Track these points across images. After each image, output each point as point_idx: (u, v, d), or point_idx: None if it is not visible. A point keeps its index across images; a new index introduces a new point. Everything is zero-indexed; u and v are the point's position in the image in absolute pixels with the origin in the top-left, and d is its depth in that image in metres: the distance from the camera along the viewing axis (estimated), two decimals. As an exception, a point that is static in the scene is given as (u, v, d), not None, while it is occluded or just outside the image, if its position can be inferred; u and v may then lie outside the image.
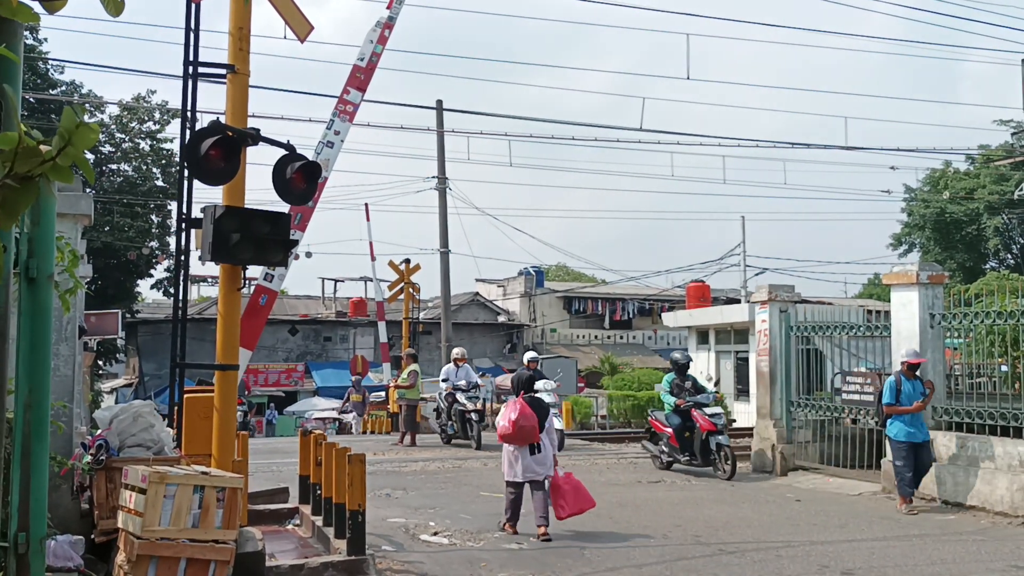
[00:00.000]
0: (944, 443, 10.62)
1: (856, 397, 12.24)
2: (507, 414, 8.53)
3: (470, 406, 16.29)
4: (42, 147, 1.79)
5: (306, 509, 8.99)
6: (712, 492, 11.47)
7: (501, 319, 42.04)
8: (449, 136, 25.80)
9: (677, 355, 14.12)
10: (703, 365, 28.22)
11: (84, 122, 1.80)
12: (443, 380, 16.82)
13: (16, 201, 1.78)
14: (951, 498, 10.26)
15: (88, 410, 14.71)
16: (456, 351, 17.29)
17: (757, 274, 36.25)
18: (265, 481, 11.17)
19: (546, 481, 8.58)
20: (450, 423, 16.75)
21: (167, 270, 31.45)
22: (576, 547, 8.14)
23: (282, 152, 6.69)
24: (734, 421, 24.22)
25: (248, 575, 5.94)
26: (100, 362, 30.63)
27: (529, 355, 16.55)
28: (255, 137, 6.64)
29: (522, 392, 8.83)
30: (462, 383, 16.46)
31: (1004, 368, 11.94)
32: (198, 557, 5.29)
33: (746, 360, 24.59)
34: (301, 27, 7.91)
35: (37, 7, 2.03)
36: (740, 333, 26.19)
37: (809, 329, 13.21)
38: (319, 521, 8.32)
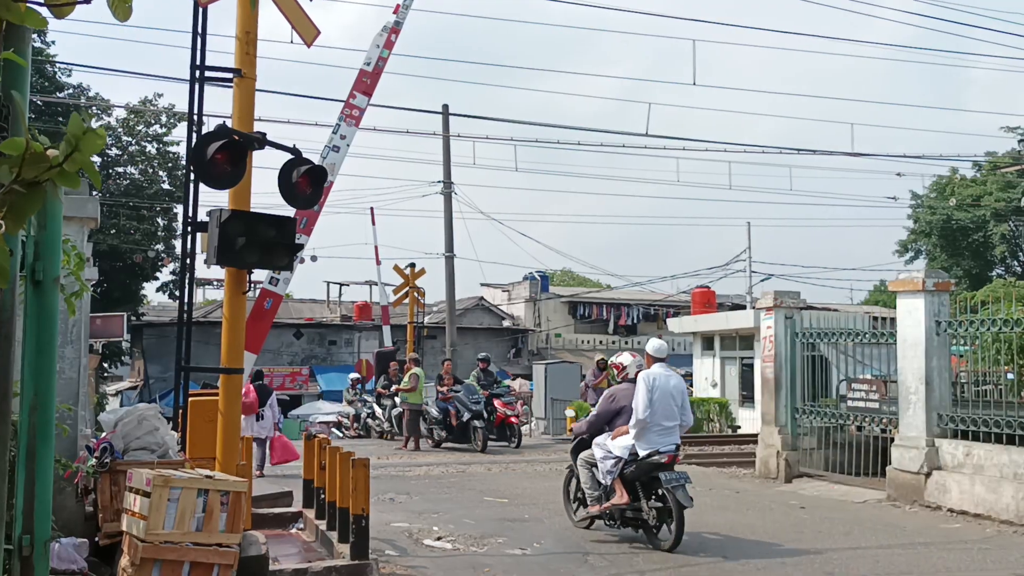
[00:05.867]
0: (949, 451, 10.58)
1: (861, 404, 12.21)
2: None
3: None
4: (49, 152, 1.79)
5: (310, 513, 8.99)
6: (716, 498, 11.44)
7: (506, 324, 42.04)
8: (455, 141, 25.85)
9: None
10: (708, 371, 28.19)
11: (91, 128, 1.81)
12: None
13: (23, 206, 1.79)
14: (956, 506, 10.22)
15: (93, 413, 14.73)
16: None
17: (762, 280, 36.24)
18: (269, 484, 11.18)
19: (267, 440, 13.38)
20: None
21: (173, 273, 31.50)
22: (579, 553, 8.13)
23: (288, 156, 6.70)
24: (738, 427, 24.20)
25: (251, 579, 5.93)
26: (105, 365, 30.69)
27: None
28: (261, 141, 6.66)
29: (250, 379, 12.05)
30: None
31: (1010, 376, 11.89)
32: (202, 561, 5.29)
33: (751, 366, 24.53)
34: (308, 32, 7.94)
35: (45, 12, 2.04)
36: (745, 339, 26.14)
37: (814, 336, 13.17)
38: (323, 525, 8.32)
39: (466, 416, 16.78)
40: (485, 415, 17.06)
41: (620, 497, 8.41)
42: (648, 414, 8.21)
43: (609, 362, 10.73)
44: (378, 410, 20.53)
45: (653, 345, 8.84)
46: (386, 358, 23.36)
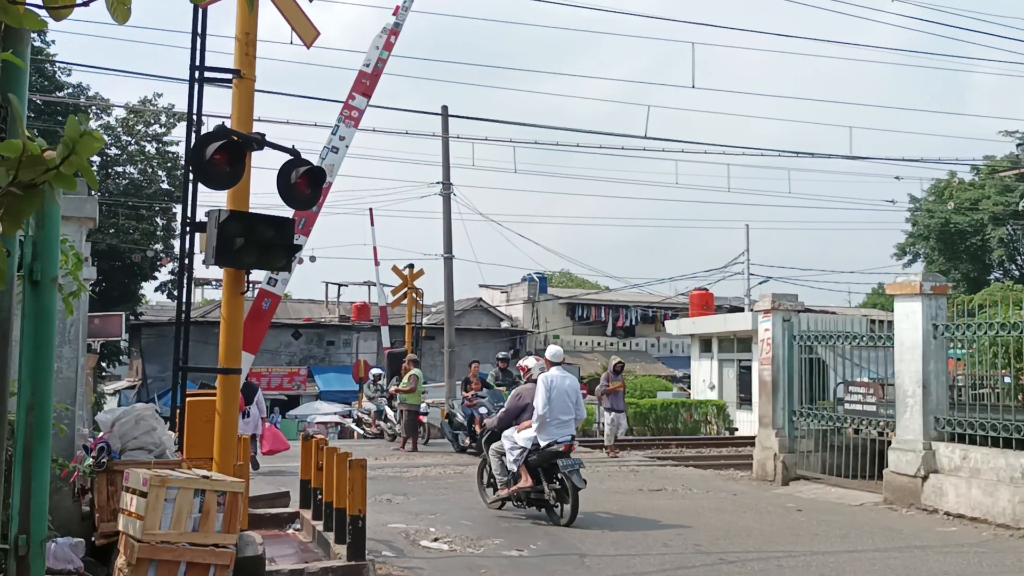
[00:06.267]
0: (946, 454, 10.60)
1: (859, 407, 12.22)
2: None
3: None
4: (46, 154, 1.80)
5: (307, 514, 8.99)
6: (713, 501, 11.46)
7: (504, 325, 42.04)
8: (454, 142, 25.84)
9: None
10: (706, 373, 28.21)
11: (88, 131, 1.82)
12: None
13: (20, 208, 1.79)
14: (953, 509, 10.23)
15: (90, 412, 14.73)
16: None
17: (761, 283, 36.23)
18: (266, 485, 11.17)
19: (254, 436, 13.08)
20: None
21: (171, 273, 31.53)
22: (576, 555, 8.13)
23: (287, 157, 6.70)
24: (736, 429, 24.23)
25: (248, 579, 5.93)
26: (103, 364, 30.68)
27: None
28: (260, 142, 6.66)
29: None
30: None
31: (1007, 380, 11.91)
32: (198, 561, 5.30)
33: (749, 369, 24.57)
34: (308, 33, 7.94)
35: (44, 14, 2.05)
36: (743, 341, 26.17)
37: (812, 338, 13.19)
38: (319, 526, 8.32)
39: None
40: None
41: (525, 481, 9.73)
42: (547, 410, 9.54)
43: (517, 364, 11.76)
44: (389, 412, 19.80)
45: (551, 351, 10.31)
46: (397, 358, 22.81)
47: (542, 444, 9.59)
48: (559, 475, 9.54)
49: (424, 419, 18.39)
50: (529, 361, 10.73)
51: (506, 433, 10.05)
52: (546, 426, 9.58)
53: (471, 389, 16.97)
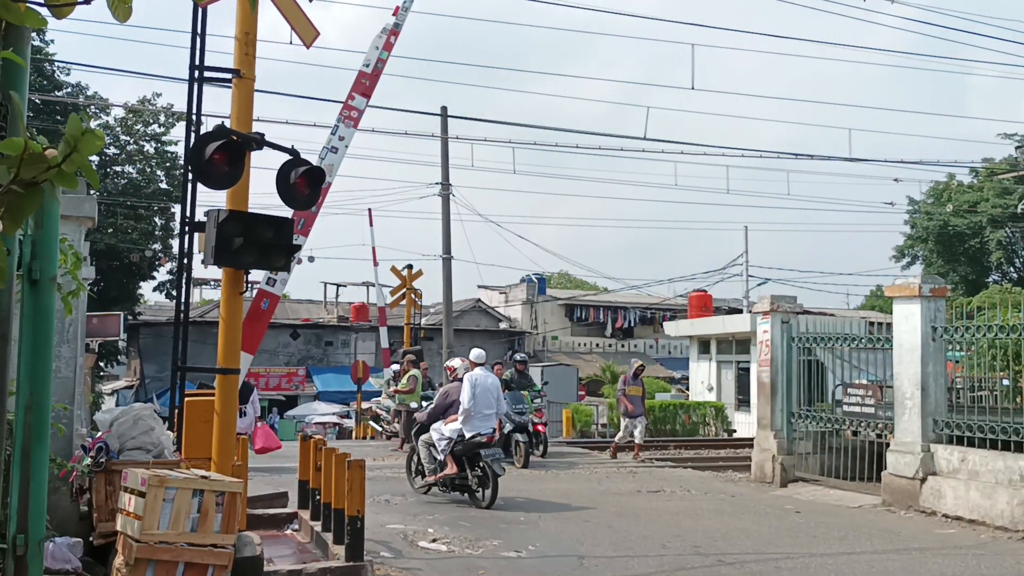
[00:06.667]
0: (945, 456, 10.60)
1: (857, 409, 12.23)
2: None
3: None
4: (47, 153, 1.80)
5: (305, 514, 8.98)
6: (712, 503, 11.46)
7: (503, 326, 42.03)
8: (453, 143, 25.85)
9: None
10: (704, 374, 28.21)
11: (90, 129, 1.81)
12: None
13: (21, 207, 1.79)
14: (951, 512, 10.23)
15: (89, 412, 14.71)
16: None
17: (759, 284, 36.27)
18: (264, 485, 11.16)
19: (246, 435, 12.02)
20: None
21: (170, 272, 31.48)
22: (575, 557, 8.13)
23: (286, 157, 6.70)
24: (734, 431, 24.22)
25: (246, 580, 5.92)
26: (101, 364, 30.65)
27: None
28: (260, 142, 6.65)
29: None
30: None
31: (1006, 382, 11.92)
32: (196, 561, 5.29)
33: (747, 370, 24.56)
34: (307, 33, 7.94)
35: (45, 12, 2.04)
36: (742, 343, 26.17)
37: (811, 340, 13.19)
38: (318, 526, 8.31)
39: (508, 427, 14.69)
40: (530, 428, 15.63)
41: (451, 469, 10.79)
42: (472, 405, 10.66)
43: (445, 365, 12.53)
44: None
45: (475, 353, 11.64)
46: (416, 356, 22.25)
47: (467, 435, 10.62)
48: (481, 463, 10.59)
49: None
50: (455, 362, 11.78)
51: (435, 426, 11.04)
52: (471, 419, 10.64)
53: None
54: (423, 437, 11.29)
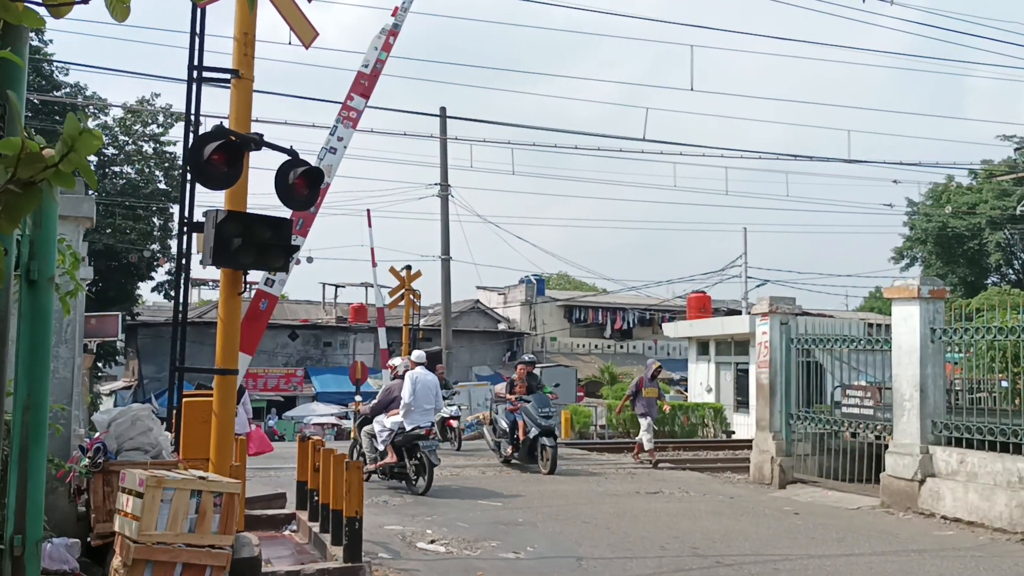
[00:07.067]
0: (943, 458, 10.60)
1: (856, 411, 12.23)
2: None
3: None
4: (45, 152, 1.79)
5: (303, 515, 8.97)
6: (710, 504, 11.45)
7: (501, 327, 42.02)
8: (452, 143, 25.86)
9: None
10: (703, 376, 28.21)
11: (88, 128, 1.81)
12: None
13: (18, 206, 1.78)
14: (950, 513, 10.23)
15: (87, 413, 14.69)
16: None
17: (758, 286, 36.27)
18: (262, 486, 11.16)
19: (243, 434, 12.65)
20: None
21: (168, 273, 31.47)
22: (573, 558, 8.12)
23: (285, 157, 6.69)
24: (733, 432, 24.22)
25: (244, 581, 5.91)
26: (99, 364, 30.62)
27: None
28: (258, 142, 6.65)
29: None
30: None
31: (1004, 384, 11.92)
32: (194, 562, 5.28)
33: (746, 372, 24.56)
34: (306, 33, 7.93)
35: (43, 12, 2.03)
36: (740, 344, 26.16)
37: (810, 342, 13.19)
38: (316, 527, 8.30)
39: (533, 432, 14.18)
40: (557, 432, 14.99)
41: (391, 458, 11.86)
42: (412, 400, 11.62)
43: (388, 363, 13.47)
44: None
45: (416, 354, 12.66)
46: (433, 358, 21.88)
47: (408, 428, 11.60)
48: (419, 454, 11.55)
49: (454, 423, 17.35)
50: (396, 360, 12.91)
51: (377, 418, 12.15)
52: (411, 413, 11.63)
53: (516, 392, 14.98)
54: (365, 428, 12.37)
